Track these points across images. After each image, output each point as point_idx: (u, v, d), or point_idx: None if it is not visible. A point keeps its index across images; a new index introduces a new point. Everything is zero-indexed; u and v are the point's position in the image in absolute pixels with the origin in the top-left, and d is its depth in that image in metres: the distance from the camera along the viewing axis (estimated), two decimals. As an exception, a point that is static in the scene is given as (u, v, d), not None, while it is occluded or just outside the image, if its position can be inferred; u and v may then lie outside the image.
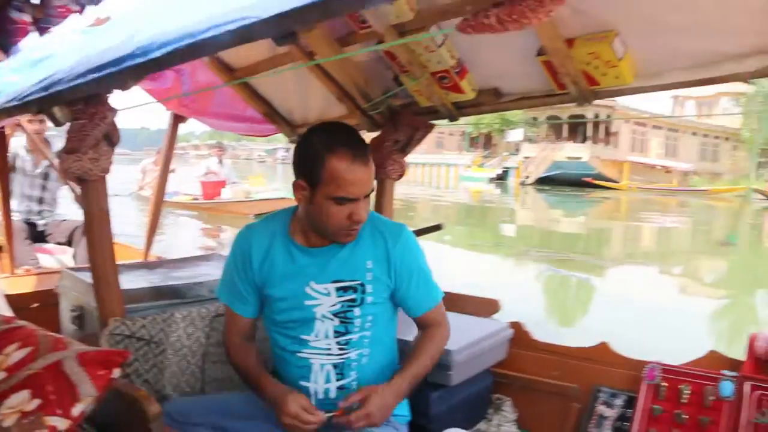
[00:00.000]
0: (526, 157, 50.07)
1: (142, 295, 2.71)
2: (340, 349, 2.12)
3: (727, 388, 2.52)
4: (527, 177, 47.39)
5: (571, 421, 2.84)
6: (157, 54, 1.72)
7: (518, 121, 52.78)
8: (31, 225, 5.49)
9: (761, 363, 2.55)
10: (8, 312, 2.98)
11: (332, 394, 2.12)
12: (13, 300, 3.16)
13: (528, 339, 3.12)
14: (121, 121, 2.35)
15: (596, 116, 45.11)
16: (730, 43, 2.20)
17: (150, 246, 4.51)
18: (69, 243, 5.44)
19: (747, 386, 2.48)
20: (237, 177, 17.30)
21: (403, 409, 2.26)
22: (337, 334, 2.11)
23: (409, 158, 3.23)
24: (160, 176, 4.11)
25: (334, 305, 2.07)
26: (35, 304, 3.48)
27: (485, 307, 3.28)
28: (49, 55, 2.85)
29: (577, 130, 48.15)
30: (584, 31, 2.36)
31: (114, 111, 2.29)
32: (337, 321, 2.09)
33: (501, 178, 49.83)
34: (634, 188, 42.98)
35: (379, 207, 3.34)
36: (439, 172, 51.78)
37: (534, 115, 48.39)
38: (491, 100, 2.88)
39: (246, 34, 1.53)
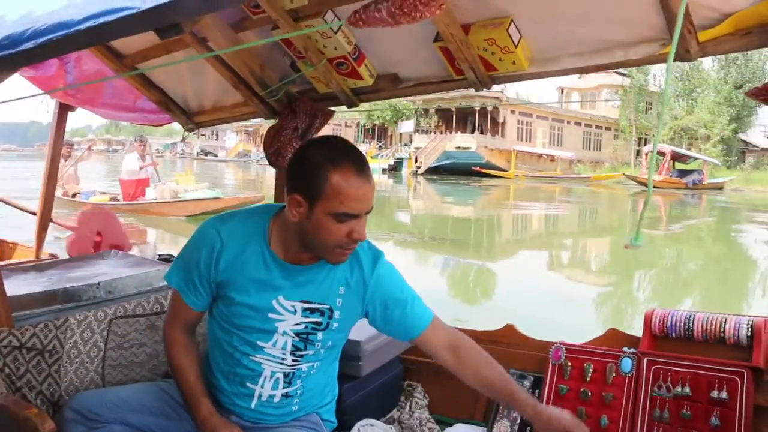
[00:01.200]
0: (417, 148, 50.71)
1: (31, 301, 2.48)
2: (294, 360, 2.04)
3: (626, 364, 2.59)
4: (418, 167, 47.97)
5: (481, 404, 2.86)
6: (28, 45, 1.57)
7: (409, 112, 53.52)
8: None
9: (656, 339, 2.64)
10: None
11: (276, 399, 2.05)
12: None
13: None
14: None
15: (483, 106, 46.24)
16: (620, 32, 2.27)
17: (41, 244, 4.16)
18: None
19: (645, 362, 2.57)
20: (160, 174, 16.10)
21: (330, 415, 2.22)
22: (295, 349, 2.03)
23: None
24: (48, 170, 3.84)
25: (297, 324, 1.98)
26: None
27: None
28: None
29: (466, 120, 49.11)
30: (480, 17, 2.37)
31: None
32: (297, 338, 2.01)
33: (394, 169, 50.35)
34: (520, 176, 44.44)
35: (281, 195, 3.20)
36: (333, 163, 51.51)
37: (425, 107, 49.14)
38: (390, 86, 2.85)
39: (126, 25, 1.41)
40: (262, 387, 2.04)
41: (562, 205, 27.16)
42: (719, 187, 40.44)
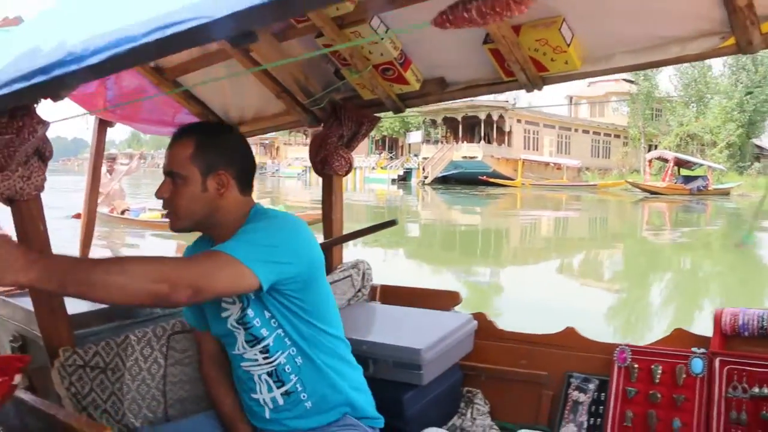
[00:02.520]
0: (425, 158, 50.75)
1: (90, 319, 2.44)
2: (264, 358, 2.00)
3: (697, 365, 2.53)
4: (425, 177, 47.99)
5: (545, 408, 2.80)
6: (93, 61, 1.48)
7: (418, 123, 53.60)
8: None
9: (727, 338, 2.57)
10: None
11: (280, 402, 2.02)
12: None
13: (493, 329, 3.05)
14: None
15: (489, 116, 46.24)
16: (676, 27, 2.21)
17: (87, 256, 4.06)
18: None
19: (717, 362, 2.49)
20: None
21: (371, 410, 2.16)
22: (251, 342, 1.99)
23: None
24: (90, 185, 3.80)
25: (237, 312, 1.96)
26: None
27: (446, 300, 3.20)
28: None
29: (473, 130, 49.16)
30: (531, 17, 2.30)
31: (45, 124, 2.01)
32: (242, 329, 1.98)
33: (403, 179, 50.48)
34: (527, 185, 44.21)
35: (328, 203, 3.24)
36: (345, 174, 51.95)
37: (432, 117, 49.15)
38: (437, 89, 2.80)
39: (197, 36, 1.34)
40: (261, 393, 2.04)
41: (569, 213, 27.11)
42: (725, 193, 39.95)
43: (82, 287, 1.57)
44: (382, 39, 2.53)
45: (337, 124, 2.98)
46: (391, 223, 3.42)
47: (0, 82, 1.73)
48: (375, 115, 3.03)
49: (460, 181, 46.17)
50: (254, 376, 2.02)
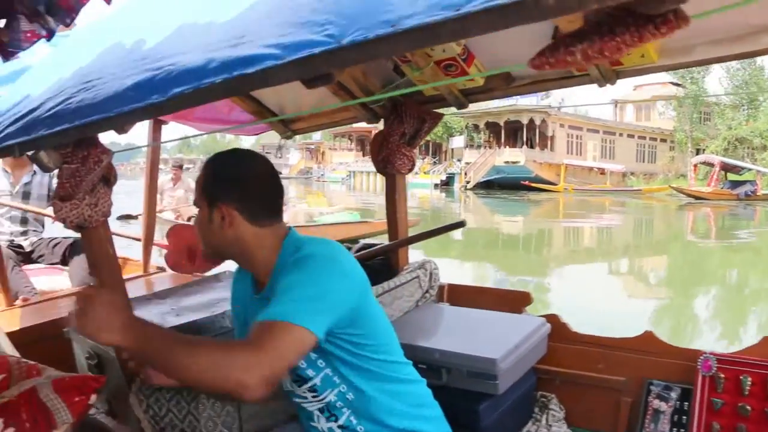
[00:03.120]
0: (467, 163, 50.63)
1: None
2: (313, 396, 1.93)
3: None
4: (468, 182, 47.85)
5: (623, 416, 2.70)
6: (157, 98, 1.48)
7: (460, 127, 53.45)
8: (17, 247, 4.94)
9: None
10: (14, 352, 2.68)
11: None
12: (15, 337, 2.84)
13: (567, 331, 2.96)
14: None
15: (531, 120, 45.92)
16: (766, 14, 2.03)
17: (148, 259, 4.21)
18: (63, 263, 4.89)
19: None
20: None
21: (436, 426, 2.06)
22: (297, 382, 1.93)
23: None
24: (149, 186, 3.79)
25: None
26: (40, 340, 3.05)
27: (517, 301, 3.12)
28: (22, 68, 2.67)
29: (516, 135, 48.94)
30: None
31: (110, 153, 2.01)
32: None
33: (446, 184, 50.43)
34: (570, 189, 43.87)
35: (392, 203, 3.19)
36: (389, 179, 52.25)
37: (475, 122, 48.97)
38: (502, 84, 2.71)
39: (270, 76, 1.34)
40: (318, 423, 1.99)
41: (614, 218, 26.70)
42: None
43: (164, 365, 1.63)
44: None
45: (399, 121, 2.91)
46: (460, 224, 3.34)
47: (64, 111, 1.73)
48: (437, 111, 2.94)
49: (503, 185, 45.91)
50: (306, 408, 1.98)
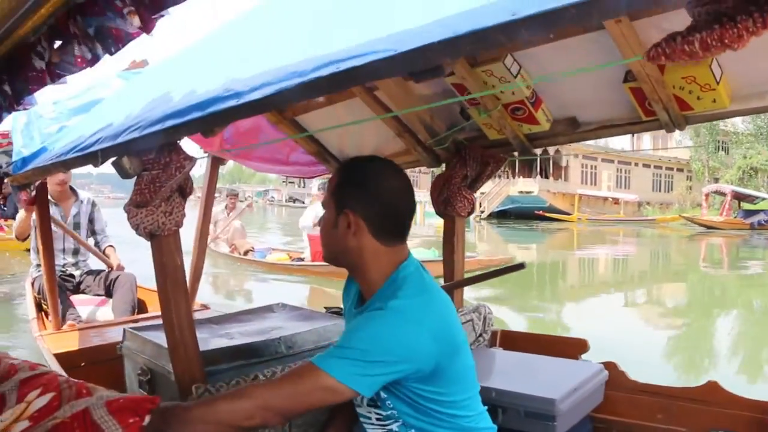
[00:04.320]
0: (483, 193, 50.66)
1: (220, 356, 2.44)
2: (378, 419, 1.91)
3: None
4: (482, 212, 47.84)
5: None
6: (253, 96, 1.49)
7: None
8: (69, 277, 5.19)
9: None
10: (60, 372, 2.70)
11: None
12: (63, 359, 2.87)
13: (625, 380, 2.89)
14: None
15: (545, 151, 46.00)
16: None
17: (194, 294, 4.19)
18: (107, 294, 5.12)
19: None
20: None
21: None
22: (371, 404, 1.91)
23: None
24: (202, 220, 3.83)
25: None
26: (84, 363, 3.18)
27: (573, 348, 3.09)
28: (94, 100, 2.69)
29: (531, 165, 48.95)
30: None
31: (192, 160, 2.04)
32: None
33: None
34: (583, 219, 43.69)
35: (449, 244, 3.16)
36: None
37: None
38: (568, 130, 2.70)
39: (383, 68, 1.30)
40: None
41: (628, 248, 26.46)
42: None
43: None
44: (515, 77, 2.43)
45: (461, 164, 2.90)
46: (520, 266, 3.24)
47: (150, 120, 1.77)
48: (501, 155, 2.94)
49: (517, 215, 45.86)
50: (364, 423, 1.95)
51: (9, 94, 2.00)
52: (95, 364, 2.87)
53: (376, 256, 1.86)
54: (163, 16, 1.51)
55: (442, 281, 3.19)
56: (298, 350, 2.61)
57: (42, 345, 3.54)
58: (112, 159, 1.98)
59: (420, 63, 1.24)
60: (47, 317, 4.20)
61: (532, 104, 2.57)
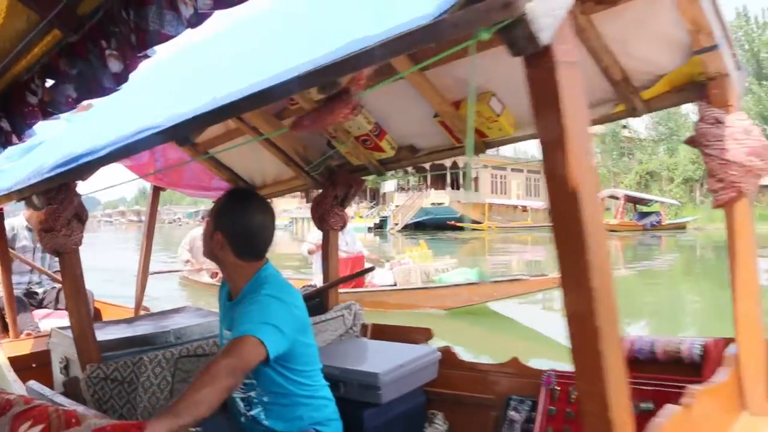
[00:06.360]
0: (397, 206, 51.13)
1: (116, 345, 2.94)
2: (242, 389, 2.37)
3: None
4: (396, 224, 48.36)
5: (490, 427, 3.04)
6: (90, 158, 2.07)
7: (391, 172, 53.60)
8: (33, 294, 5.73)
9: (629, 362, 2.52)
10: (10, 372, 3.16)
11: (242, 420, 2.41)
12: (15, 361, 3.34)
13: (456, 360, 3.30)
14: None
15: (454, 164, 46.84)
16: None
17: (140, 306, 4.82)
18: (66, 308, 5.54)
19: None
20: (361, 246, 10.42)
21: (334, 430, 2.47)
22: None
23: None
24: (146, 242, 4.49)
25: None
26: (34, 364, 3.64)
27: (422, 335, 3.52)
28: (39, 143, 3.15)
29: (444, 177, 50.07)
30: (465, 94, 2.70)
31: (78, 195, 2.60)
32: None
33: (380, 227, 50.67)
34: (494, 227, 45.04)
35: (326, 254, 3.68)
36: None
37: (406, 168, 49.40)
38: (409, 155, 3.22)
39: (153, 140, 1.83)
40: (237, 408, 2.41)
41: (537, 254, 27.32)
42: (682, 227, 40.50)
43: (201, 416, 1.88)
44: (356, 117, 2.97)
45: (332, 186, 3.44)
46: (370, 269, 4.38)
47: (51, 166, 2.32)
48: (362, 178, 3.46)
49: (430, 226, 46.50)
50: (234, 395, 2.41)
51: (8, 130, 2.29)
52: (45, 365, 3.26)
53: (237, 268, 2.35)
54: (148, 56, 1.64)
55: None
56: (186, 340, 3.12)
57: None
58: (26, 196, 2.59)
59: (179, 134, 1.85)
60: (6, 329, 4.69)
61: (376, 136, 3.12)
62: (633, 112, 2.51)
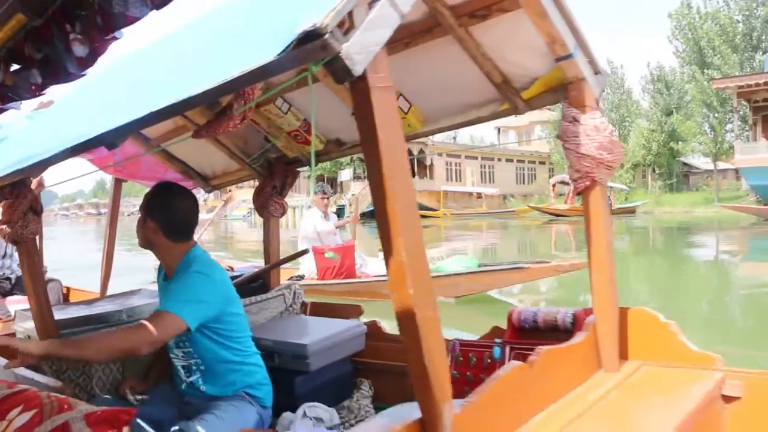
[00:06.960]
0: (353, 194, 51.05)
1: (74, 323, 3.19)
2: (183, 357, 2.64)
3: (497, 352, 2.97)
4: (351, 213, 48.06)
5: (409, 392, 3.23)
6: (34, 160, 2.12)
7: (347, 161, 53.74)
8: (6, 280, 6.02)
9: (517, 330, 3.04)
10: None
11: (183, 387, 2.70)
12: None
13: (382, 333, 3.56)
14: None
15: (409, 153, 46.82)
16: (470, 96, 2.85)
17: (105, 289, 5.07)
18: None
19: (508, 349, 2.96)
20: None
21: (266, 399, 2.74)
22: (176, 346, 2.64)
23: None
24: (109, 230, 4.80)
25: None
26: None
27: (353, 312, 3.78)
28: (1, 139, 3.33)
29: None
30: None
31: (32, 191, 2.87)
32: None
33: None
34: (449, 214, 45.02)
35: (267, 239, 3.97)
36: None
37: (360, 156, 49.11)
38: (335, 148, 3.50)
39: (94, 144, 1.86)
40: (178, 377, 2.69)
41: (492, 239, 27.79)
42: (631, 211, 41.25)
43: (85, 358, 2.36)
44: (286, 114, 3.37)
45: (271, 177, 3.75)
46: (304, 252, 4.70)
47: (6, 164, 2.37)
48: (296, 169, 3.81)
49: (388, 214, 46.23)
50: (175, 364, 2.69)
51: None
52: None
53: (169, 249, 2.61)
54: (116, 38, 1.63)
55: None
56: (137, 318, 3.31)
57: None
58: None
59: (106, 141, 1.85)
60: None
61: (305, 131, 3.47)
62: (516, 110, 2.79)
